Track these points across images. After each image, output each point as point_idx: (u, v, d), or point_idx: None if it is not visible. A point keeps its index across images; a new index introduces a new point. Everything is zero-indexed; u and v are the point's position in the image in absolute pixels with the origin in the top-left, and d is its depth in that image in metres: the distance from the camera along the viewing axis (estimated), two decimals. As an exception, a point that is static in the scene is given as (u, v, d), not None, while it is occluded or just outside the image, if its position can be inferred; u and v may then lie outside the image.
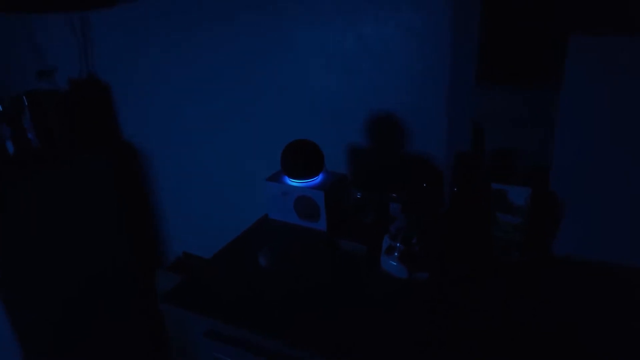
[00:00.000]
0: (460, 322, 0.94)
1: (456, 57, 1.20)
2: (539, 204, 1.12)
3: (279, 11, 1.39)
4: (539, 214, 1.13)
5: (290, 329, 0.95)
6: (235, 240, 1.31)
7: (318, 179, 1.33)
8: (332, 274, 1.13)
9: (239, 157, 1.70)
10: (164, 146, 1.87)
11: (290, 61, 1.44)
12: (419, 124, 1.33)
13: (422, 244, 1.09)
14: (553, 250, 1.13)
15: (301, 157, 1.30)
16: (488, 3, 1.10)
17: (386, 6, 1.24)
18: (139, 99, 1.82)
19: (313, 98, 1.45)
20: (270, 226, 1.37)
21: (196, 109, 1.71)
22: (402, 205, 1.29)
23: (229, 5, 1.47)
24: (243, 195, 1.75)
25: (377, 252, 1.15)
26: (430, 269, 1.08)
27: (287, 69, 1.46)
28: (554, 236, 1.12)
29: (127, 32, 1.72)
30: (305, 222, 1.34)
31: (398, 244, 1.09)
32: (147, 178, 1.98)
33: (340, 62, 1.37)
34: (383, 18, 1.26)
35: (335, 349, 0.89)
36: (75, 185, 1.73)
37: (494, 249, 1.13)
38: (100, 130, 1.95)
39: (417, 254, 1.08)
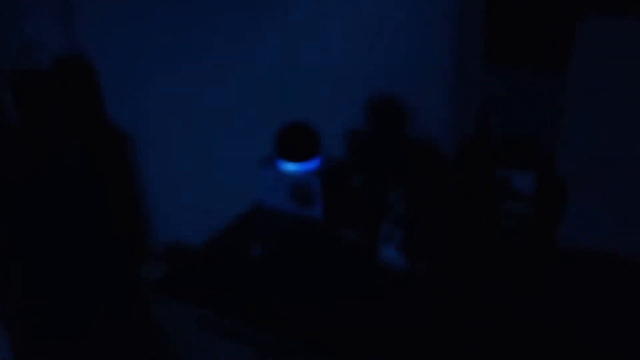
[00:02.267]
0: (461, 315, 0.93)
1: (462, 35, 1.18)
2: (544, 190, 1.12)
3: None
4: (544, 200, 1.12)
5: (282, 320, 0.94)
6: (227, 228, 1.29)
7: (314, 163, 1.30)
8: (329, 263, 1.12)
9: (231, 140, 1.66)
10: (152, 129, 1.82)
11: (284, 39, 1.40)
12: (421, 106, 1.30)
13: (423, 232, 1.08)
14: (558, 238, 1.13)
15: (296, 140, 1.27)
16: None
17: (388, -21, 1.20)
18: (125, 78, 1.78)
19: (310, 78, 1.42)
20: (264, 213, 1.34)
21: (186, 90, 1.67)
22: (403, 191, 1.26)
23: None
24: (235, 180, 1.72)
25: (375, 240, 1.13)
26: (431, 257, 1.07)
27: (282, 48, 1.42)
28: (559, 223, 1.13)
29: (111, 7, 1.66)
30: (301, 209, 1.31)
31: (398, 232, 1.07)
32: (135, 163, 1.94)
33: (339, 40, 1.33)
34: (385, -8, 1.21)
35: (331, 341, 0.88)
36: (59, 171, 1.69)
37: (498, 236, 1.12)
38: (84, 111, 1.91)
39: (417, 243, 1.07)
